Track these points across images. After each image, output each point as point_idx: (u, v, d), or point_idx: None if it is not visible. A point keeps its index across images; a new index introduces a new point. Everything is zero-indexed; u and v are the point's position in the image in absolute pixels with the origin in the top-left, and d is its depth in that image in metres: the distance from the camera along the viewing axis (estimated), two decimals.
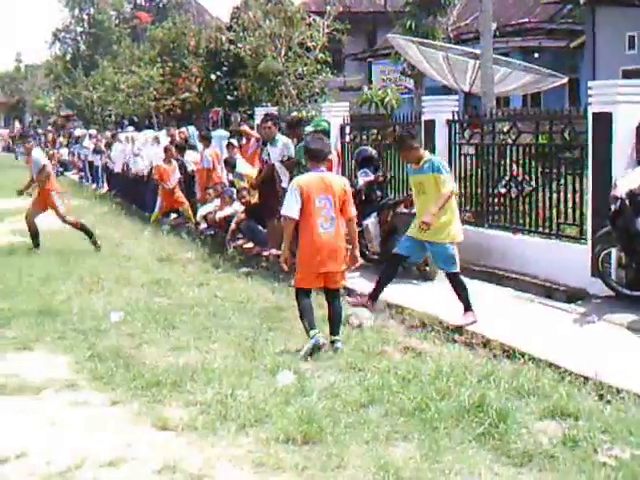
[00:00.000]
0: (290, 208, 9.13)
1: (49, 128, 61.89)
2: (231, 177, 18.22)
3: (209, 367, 8.27)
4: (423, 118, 14.83)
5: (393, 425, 6.64)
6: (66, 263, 14.87)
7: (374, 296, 11.07)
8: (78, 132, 43.19)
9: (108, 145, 30.15)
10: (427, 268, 12.94)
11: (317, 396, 7.30)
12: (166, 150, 20.98)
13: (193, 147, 21.74)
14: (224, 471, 5.96)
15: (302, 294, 9.29)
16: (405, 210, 12.99)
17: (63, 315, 10.90)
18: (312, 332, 8.92)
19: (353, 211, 9.42)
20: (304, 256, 9.25)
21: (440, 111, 14.61)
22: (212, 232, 18.15)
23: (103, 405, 7.46)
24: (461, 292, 10.37)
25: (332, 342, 9.05)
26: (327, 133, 14.49)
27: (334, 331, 9.23)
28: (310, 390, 7.49)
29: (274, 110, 20.45)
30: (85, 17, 55.51)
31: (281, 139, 14.66)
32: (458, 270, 10.52)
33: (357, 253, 9.68)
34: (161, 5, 53.94)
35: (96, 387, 7.95)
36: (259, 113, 21.45)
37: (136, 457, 6.22)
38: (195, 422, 6.80)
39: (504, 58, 20.79)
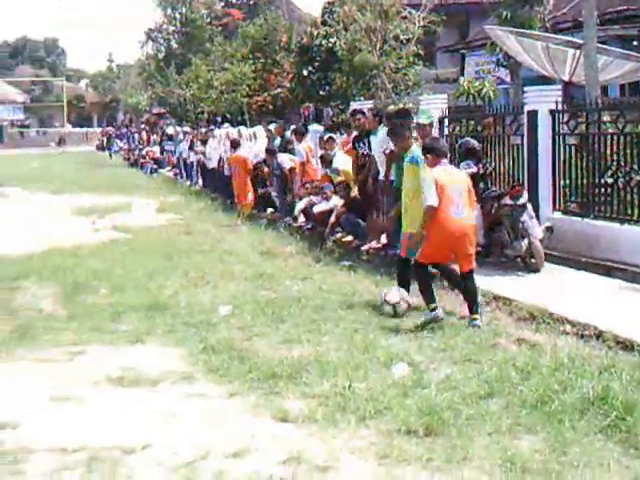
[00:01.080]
0: (433, 197, 9.88)
1: (142, 126, 62.91)
2: (325, 171, 18.22)
3: (323, 360, 8.28)
4: (526, 108, 14.63)
5: (515, 417, 6.56)
6: (169, 258, 15.04)
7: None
8: (171, 130, 43.71)
9: (203, 142, 30.40)
10: (532, 260, 12.77)
11: (435, 388, 7.25)
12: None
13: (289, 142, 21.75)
14: (348, 463, 5.95)
15: (424, 269, 10.32)
16: (510, 202, 12.81)
17: (172, 309, 11.04)
18: (432, 305, 9.86)
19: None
20: (436, 236, 10.03)
21: (543, 101, 14.38)
22: (310, 226, 18.17)
23: (220, 397, 7.50)
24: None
25: (472, 320, 9.81)
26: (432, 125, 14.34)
27: (473, 310, 9.99)
28: (427, 382, 7.45)
29: (369, 104, 20.40)
30: (178, 16, 56.07)
31: (382, 130, 14.56)
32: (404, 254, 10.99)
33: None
34: (252, 2, 54.19)
35: (212, 379, 8.00)
36: (355, 107, 21.44)
37: (259, 448, 6.24)
38: (315, 414, 6.80)
39: (603, 46, 20.37)
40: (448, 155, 10.66)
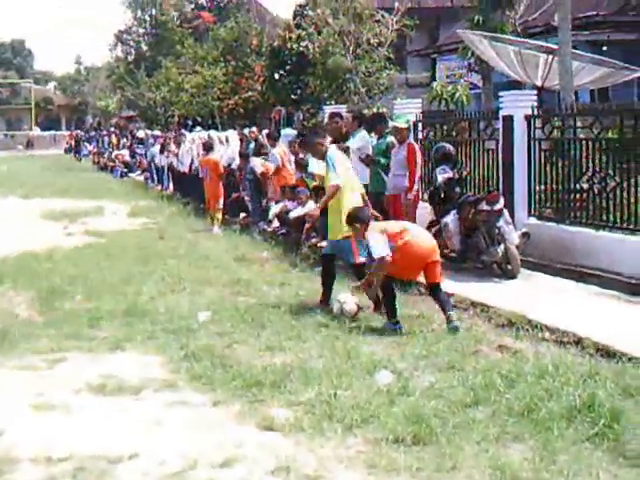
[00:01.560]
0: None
1: (111, 129, 62.60)
2: (300, 175, 18.19)
3: (306, 367, 8.25)
4: (501, 113, 14.70)
5: (503, 426, 6.56)
6: (145, 263, 14.96)
7: (325, 300, 11.29)
8: (141, 133, 43.50)
9: (177, 144, 30.31)
10: (509, 266, 12.82)
11: (420, 396, 7.25)
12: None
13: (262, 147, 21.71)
14: (338, 472, 5.92)
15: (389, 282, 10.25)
16: (486, 207, 12.86)
17: (150, 315, 10.97)
18: (394, 320, 10.01)
19: None
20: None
21: (518, 106, 14.46)
22: (284, 231, 18.14)
23: (205, 405, 7.45)
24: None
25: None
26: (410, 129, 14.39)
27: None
28: (412, 390, 7.44)
29: (343, 108, 20.42)
30: (147, 18, 55.88)
31: (360, 134, 14.54)
32: (358, 261, 11.13)
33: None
34: (222, 5, 54.06)
35: (195, 387, 7.95)
36: (328, 111, 21.45)
37: (247, 457, 6.20)
38: (301, 422, 6.77)
39: (576, 51, 20.53)
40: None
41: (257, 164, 20.31)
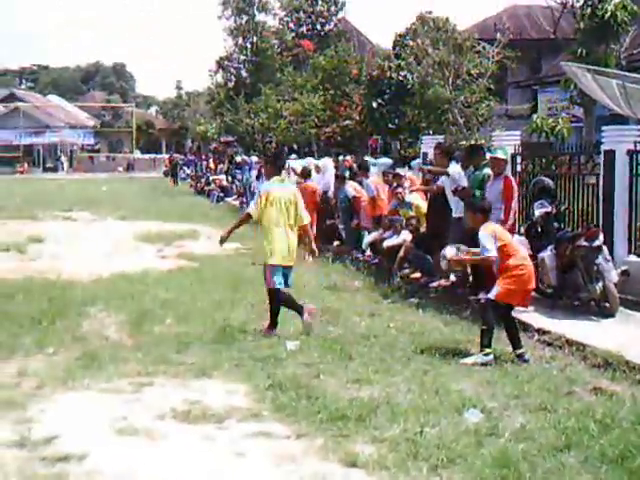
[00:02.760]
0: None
1: (210, 154, 63.30)
2: (395, 205, 18.03)
3: (393, 402, 8.08)
4: (603, 148, 14.35)
5: (595, 473, 6.32)
6: (236, 289, 14.94)
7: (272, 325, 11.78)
8: (239, 158, 43.82)
9: None
10: (607, 304, 12.46)
11: (510, 438, 7.02)
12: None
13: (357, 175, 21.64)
14: None
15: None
16: (585, 243, 12.52)
17: (238, 342, 10.94)
18: (489, 349, 10.01)
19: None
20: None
21: (621, 141, 14.11)
22: (377, 260, 18.01)
23: (288, 438, 7.34)
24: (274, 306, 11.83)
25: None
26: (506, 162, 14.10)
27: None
28: (502, 431, 7.23)
29: (441, 138, 20.23)
30: (248, 45, 56.43)
31: (454, 168, 14.39)
32: (272, 287, 11.85)
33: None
34: (323, 33, 54.31)
35: (279, 418, 7.85)
36: (426, 141, 21.29)
37: None
38: (385, 460, 6.61)
39: None
40: None
41: (350, 188, 20.22)
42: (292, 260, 12.20)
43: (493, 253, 10.28)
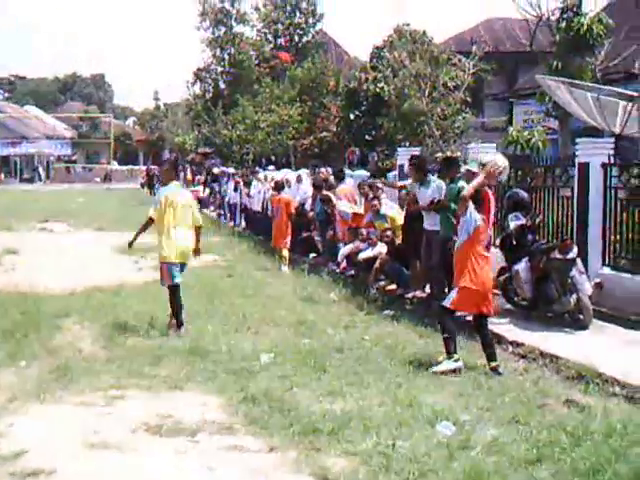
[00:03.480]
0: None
1: (187, 165, 63.11)
2: (370, 218, 18.02)
3: (366, 415, 8.08)
4: (577, 161, 14.42)
5: None
6: (211, 301, 14.90)
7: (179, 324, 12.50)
8: (216, 170, 43.76)
9: (247, 183, 30.47)
10: (580, 316, 12.50)
11: (482, 451, 7.02)
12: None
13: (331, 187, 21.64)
14: None
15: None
16: (559, 256, 12.57)
17: (212, 354, 10.89)
18: (457, 355, 10.13)
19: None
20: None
21: (595, 154, 14.19)
22: (353, 272, 18.01)
23: (260, 451, 7.32)
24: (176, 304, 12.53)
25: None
26: None
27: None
28: (474, 444, 7.23)
29: (416, 150, 20.28)
30: (226, 57, 56.40)
31: (434, 181, 14.37)
32: (171, 283, 12.65)
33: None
34: (301, 45, 54.38)
35: (252, 431, 7.83)
36: (402, 153, 21.33)
37: None
38: (357, 474, 6.61)
39: None
40: None
41: (345, 206, 20.09)
42: (187, 258, 13.07)
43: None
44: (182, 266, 12.96)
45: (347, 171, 23.73)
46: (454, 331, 10.39)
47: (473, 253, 10.20)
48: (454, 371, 9.92)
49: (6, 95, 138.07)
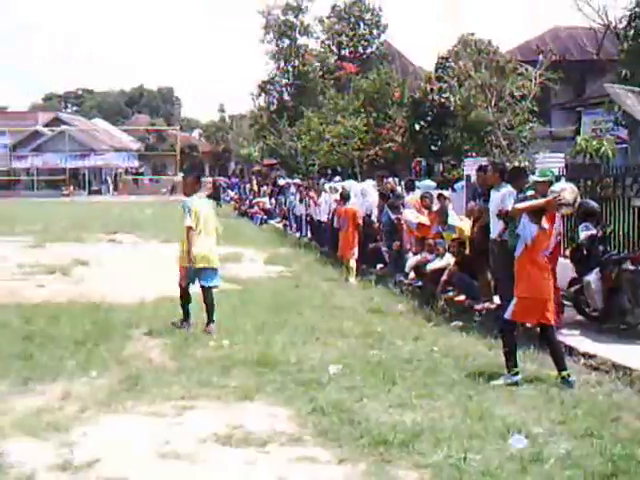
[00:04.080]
0: None
1: (253, 177, 63.53)
2: (438, 229, 17.92)
3: (437, 427, 8.01)
4: None
5: None
6: (278, 312, 14.92)
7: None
8: (282, 181, 43.97)
9: (313, 192, 30.52)
10: None
11: (555, 464, 6.92)
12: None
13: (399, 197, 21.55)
14: None
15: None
16: (631, 267, 12.38)
17: (281, 365, 10.89)
18: (516, 369, 10.08)
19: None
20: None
21: None
22: (420, 283, 17.92)
23: (330, 462, 7.30)
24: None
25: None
26: (551, 184, 13.93)
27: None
28: (546, 457, 7.12)
29: (483, 161, 20.14)
30: (290, 69, 56.71)
31: (504, 188, 14.12)
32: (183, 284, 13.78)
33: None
34: (365, 56, 54.50)
35: (321, 443, 7.81)
36: (469, 164, 21.20)
37: None
38: None
39: None
40: None
41: (411, 215, 20.01)
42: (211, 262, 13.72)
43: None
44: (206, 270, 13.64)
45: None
46: (515, 344, 10.33)
47: (530, 262, 10.13)
48: (516, 384, 9.85)
49: (74, 109, 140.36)
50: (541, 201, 10.40)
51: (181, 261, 13.64)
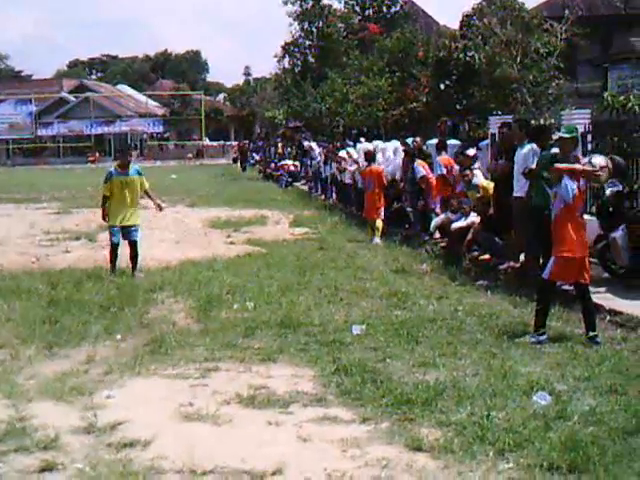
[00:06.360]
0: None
1: (278, 140, 63.44)
2: (462, 188, 17.78)
3: (460, 386, 7.98)
4: None
5: None
6: (303, 274, 14.92)
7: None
8: (307, 144, 43.84)
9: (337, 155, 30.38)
10: None
11: (579, 421, 6.87)
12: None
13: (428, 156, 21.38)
14: None
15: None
16: None
17: (304, 326, 10.90)
18: (543, 329, 10.00)
19: None
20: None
21: None
22: (445, 243, 17.83)
23: (353, 422, 7.28)
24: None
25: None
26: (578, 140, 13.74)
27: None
28: (570, 414, 7.08)
29: (509, 118, 19.92)
30: (314, 30, 56.30)
31: (529, 146, 13.93)
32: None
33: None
34: (389, 16, 54.06)
35: (344, 403, 7.79)
36: (494, 122, 20.97)
37: (393, 478, 5.99)
38: (451, 444, 6.51)
39: None
40: None
41: (419, 168, 19.96)
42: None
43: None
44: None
45: None
46: (549, 305, 10.27)
47: (570, 221, 9.99)
48: (539, 343, 9.78)
49: (99, 75, 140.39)
50: (579, 167, 10.25)
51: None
